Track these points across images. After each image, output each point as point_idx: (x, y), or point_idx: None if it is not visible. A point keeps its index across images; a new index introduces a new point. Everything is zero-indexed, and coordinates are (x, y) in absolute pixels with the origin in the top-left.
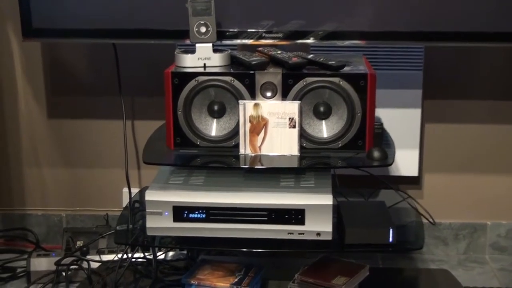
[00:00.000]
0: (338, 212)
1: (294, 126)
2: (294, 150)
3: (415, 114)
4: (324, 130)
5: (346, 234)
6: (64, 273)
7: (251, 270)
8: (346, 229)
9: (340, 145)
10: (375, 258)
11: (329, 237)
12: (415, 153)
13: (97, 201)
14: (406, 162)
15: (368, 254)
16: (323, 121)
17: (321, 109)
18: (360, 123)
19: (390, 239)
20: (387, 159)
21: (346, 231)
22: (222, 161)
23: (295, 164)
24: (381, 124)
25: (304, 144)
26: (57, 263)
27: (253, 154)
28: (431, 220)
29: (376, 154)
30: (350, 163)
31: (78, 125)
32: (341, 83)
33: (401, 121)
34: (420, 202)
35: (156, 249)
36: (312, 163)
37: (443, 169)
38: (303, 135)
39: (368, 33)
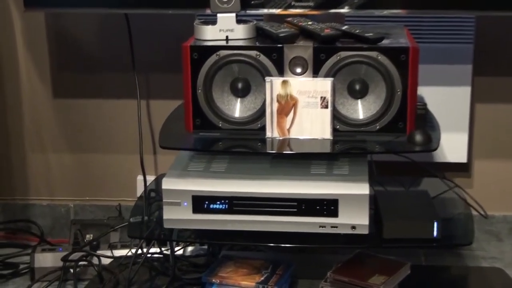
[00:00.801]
0: (375, 203)
1: (326, 106)
2: (327, 133)
3: (464, 93)
4: (360, 110)
5: (385, 228)
6: (71, 270)
7: (279, 267)
8: (384, 222)
9: (378, 127)
10: (417, 255)
11: (365, 231)
12: (464, 137)
13: (108, 190)
14: (453, 146)
15: (410, 250)
16: (359, 101)
17: (357, 87)
18: (400, 102)
19: (435, 233)
20: (431, 143)
21: (384, 224)
22: (246, 146)
23: (327, 149)
24: (425, 104)
25: (338, 127)
26: (64, 259)
27: (281, 138)
28: (482, 212)
29: (418, 137)
30: (389, 148)
31: (87, 105)
32: (379, 58)
33: (447, 100)
34: (469, 192)
35: (174, 243)
36: (346, 148)
37: (495, 155)
38: (337, 117)
39: (410, 1)
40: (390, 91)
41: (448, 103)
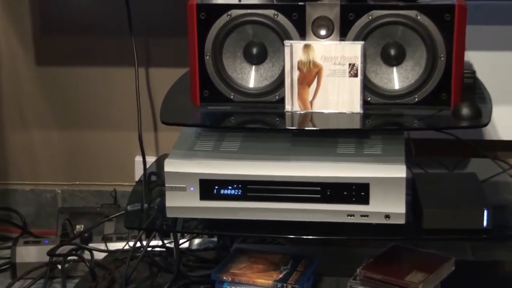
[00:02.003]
0: (413, 187)
1: (355, 75)
2: (356, 106)
3: None
4: (396, 79)
5: (424, 217)
6: (59, 266)
7: (300, 262)
8: (424, 209)
9: (416, 99)
10: (463, 248)
11: (401, 221)
12: None
13: (102, 173)
14: (506, 122)
15: (454, 243)
16: (394, 68)
17: (392, 52)
18: (444, 70)
19: (484, 223)
20: (480, 118)
21: (424, 213)
22: (262, 121)
23: (357, 124)
24: (473, 72)
25: (369, 99)
26: (51, 253)
27: (302, 112)
28: None
29: (465, 111)
30: (430, 124)
31: (77, 74)
32: (418, 17)
33: (500, 68)
34: None
35: (179, 235)
36: (379, 123)
37: None
38: (368, 87)
39: None
40: (432, 56)
41: (501, 70)
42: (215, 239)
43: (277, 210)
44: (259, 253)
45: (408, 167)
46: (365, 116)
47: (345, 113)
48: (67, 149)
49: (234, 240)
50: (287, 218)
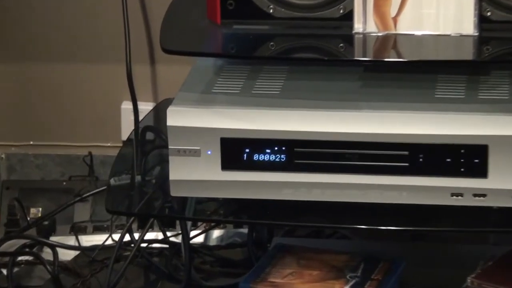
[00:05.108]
0: None
1: None
2: (468, 26)
3: None
4: None
5: None
6: (4, 271)
7: (376, 267)
8: None
9: None
10: None
11: None
12: None
13: (70, 128)
14: None
15: None
16: None
17: None
18: None
19: None
20: None
21: None
22: (318, 48)
23: (469, 54)
24: None
25: (489, 14)
26: None
27: (381, 34)
28: None
29: None
30: None
31: None
32: None
33: None
34: None
35: (189, 224)
36: (505, 51)
37: None
38: None
39: None
40: None
41: None
42: (245, 230)
43: (340, 186)
44: (313, 253)
45: None
46: (482, 40)
47: (449, 35)
48: (16, 92)
49: (275, 233)
50: (355, 199)
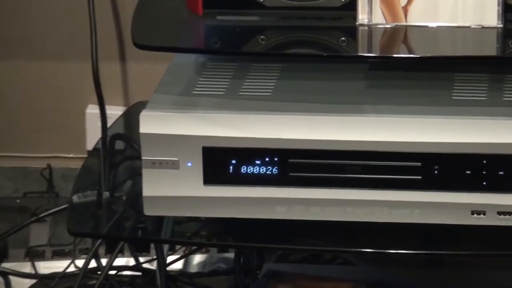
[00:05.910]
0: None
1: None
2: (490, 16)
3: None
4: None
5: None
6: None
7: None
8: None
9: None
10: None
11: None
12: None
13: (26, 136)
14: None
15: None
16: None
17: None
18: None
19: None
20: None
21: None
22: (316, 43)
23: (492, 49)
24: None
25: None
26: None
27: (388, 26)
28: None
29: None
30: None
31: None
32: None
33: None
34: None
35: (166, 248)
36: None
37: None
38: None
39: None
40: None
41: None
42: (231, 254)
43: (341, 203)
44: (311, 281)
45: None
46: (507, 33)
47: (468, 27)
48: None
49: (265, 258)
50: (360, 218)
